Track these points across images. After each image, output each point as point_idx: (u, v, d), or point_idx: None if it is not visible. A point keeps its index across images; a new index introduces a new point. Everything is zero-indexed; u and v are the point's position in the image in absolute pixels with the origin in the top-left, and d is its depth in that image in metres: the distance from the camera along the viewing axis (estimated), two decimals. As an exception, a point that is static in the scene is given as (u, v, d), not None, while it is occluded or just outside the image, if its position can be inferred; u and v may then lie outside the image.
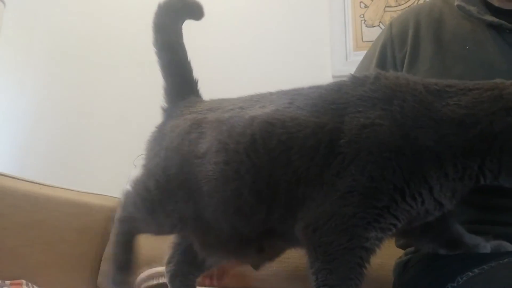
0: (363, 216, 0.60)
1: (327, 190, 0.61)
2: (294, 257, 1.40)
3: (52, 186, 1.41)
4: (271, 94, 0.74)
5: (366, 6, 1.85)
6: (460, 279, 0.65)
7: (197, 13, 0.88)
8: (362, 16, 1.84)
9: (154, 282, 1.26)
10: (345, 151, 0.61)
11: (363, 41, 1.82)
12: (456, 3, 0.93)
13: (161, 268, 1.27)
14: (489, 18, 0.87)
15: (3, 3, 1.84)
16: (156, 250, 1.47)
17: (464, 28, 0.91)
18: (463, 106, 0.61)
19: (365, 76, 0.68)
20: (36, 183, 1.36)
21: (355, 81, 0.67)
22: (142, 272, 1.30)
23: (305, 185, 0.62)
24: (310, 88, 0.70)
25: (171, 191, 0.72)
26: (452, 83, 0.65)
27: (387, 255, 1.04)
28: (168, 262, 0.83)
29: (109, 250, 1.54)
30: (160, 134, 0.79)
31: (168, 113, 0.83)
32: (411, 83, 0.64)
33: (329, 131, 0.62)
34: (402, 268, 0.88)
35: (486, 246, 0.73)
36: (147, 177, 0.77)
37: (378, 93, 0.63)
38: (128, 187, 0.89)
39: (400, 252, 0.94)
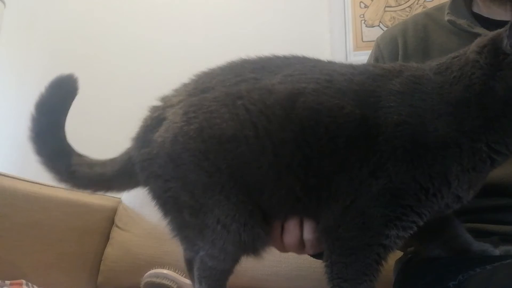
0: (387, 214, 0.60)
1: (362, 190, 0.60)
2: (294, 257, 1.40)
3: (52, 186, 1.40)
4: (282, 60, 0.68)
5: (366, 6, 1.85)
6: (461, 278, 0.65)
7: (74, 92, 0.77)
8: (362, 16, 1.84)
9: (158, 280, 1.27)
10: (383, 148, 0.59)
11: (363, 41, 1.82)
12: (446, 18, 0.92)
13: (168, 272, 1.29)
14: (480, 30, 0.87)
15: (3, 3, 1.84)
16: (157, 251, 1.48)
17: (452, 43, 0.90)
18: (458, 77, 0.61)
19: (393, 68, 0.66)
20: (36, 183, 1.36)
21: (385, 73, 0.65)
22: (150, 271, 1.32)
23: (342, 177, 0.61)
24: (344, 67, 0.67)
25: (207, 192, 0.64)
26: (446, 56, 0.65)
27: (387, 255, 1.05)
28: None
29: (109, 250, 1.56)
30: (149, 158, 0.68)
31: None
32: (425, 72, 0.64)
33: (370, 126, 0.60)
34: (403, 267, 0.88)
35: (495, 251, 0.72)
36: (171, 215, 0.69)
37: (404, 87, 0.62)
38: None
39: (400, 252, 0.94)
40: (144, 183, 0.70)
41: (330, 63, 0.69)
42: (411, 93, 0.61)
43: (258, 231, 0.65)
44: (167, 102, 0.70)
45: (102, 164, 0.75)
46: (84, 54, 2.03)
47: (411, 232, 0.62)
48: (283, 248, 0.71)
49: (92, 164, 0.76)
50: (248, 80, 0.64)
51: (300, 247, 0.69)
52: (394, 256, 0.94)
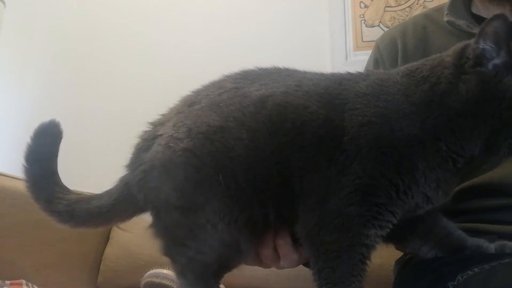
0: (364, 214, 0.61)
1: (333, 188, 0.62)
2: (294, 257, 1.40)
3: (52, 186, 1.40)
4: (263, 70, 0.73)
5: (366, 6, 1.85)
6: (460, 278, 0.66)
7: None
8: (362, 16, 1.84)
9: (158, 280, 1.28)
10: (349, 148, 0.62)
11: (363, 41, 1.82)
12: (445, 18, 0.93)
13: (168, 272, 1.29)
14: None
15: (3, 3, 1.84)
16: (157, 251, 1.48)
17: (451, 43, 0.90)
18: (426, 76, 0.64)
19: (360, 73, 0.70)
20: (36, 183, 1.35)
21: (352, 78, 0.68)
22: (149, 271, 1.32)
23: (313, 175, 0.63)
24: (315, 74, 0.71)
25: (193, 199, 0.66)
26: (424, 59, 0.68)
27: (387, 255, 1.04)
28: None
29: (109, 250, 1.56)
30: (144, 170, 0.69)
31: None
32: (392, 75, 0.67)
33: (335, 126, 0.63)
34: (402, 267, 0.88)
35: (490, 246, 0.73)
36: (161, 217, 0.69)
37: (370, 89, 0.65)
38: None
39: (400, 253, 0.94)
40: (144, 203, 0.70)
41: (304, 72, 0.72)
42: (377, 95, 0.64)
43: (242, 234, 0.66)
44: (156, 124, 0.72)
45: (98, 197, 0.76)
46: (84, 54, 2.03)
47: (388, 230, 0.64)
48: (260, 262, 0.73)
49: (88, 199, 0.76)
50: (230, 91, 0.69)
51: (275, 257, 0.71)
52: (395, 256, 0.95)
